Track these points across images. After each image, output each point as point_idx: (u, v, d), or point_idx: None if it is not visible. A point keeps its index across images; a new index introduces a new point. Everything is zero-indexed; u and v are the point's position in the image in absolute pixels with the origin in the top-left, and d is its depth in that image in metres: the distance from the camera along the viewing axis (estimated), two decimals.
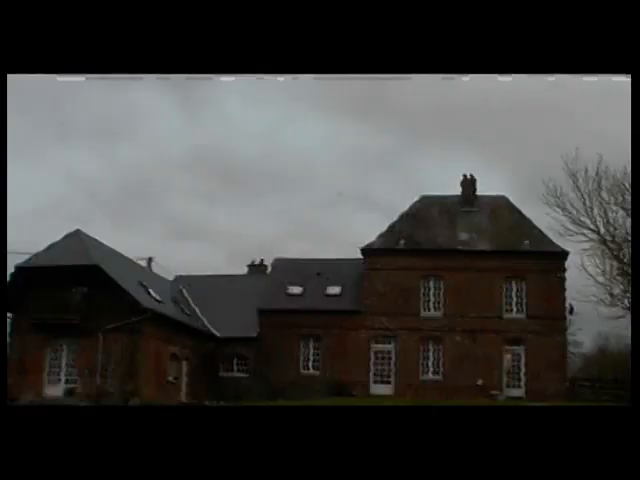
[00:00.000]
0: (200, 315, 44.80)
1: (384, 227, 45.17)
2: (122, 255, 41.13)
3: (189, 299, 46.09)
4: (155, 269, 47.22)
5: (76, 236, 36.53)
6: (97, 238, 39.23)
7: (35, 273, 34.37)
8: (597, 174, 28.67)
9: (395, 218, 45.66)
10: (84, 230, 38.07)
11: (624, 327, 30.55)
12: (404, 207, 46.60)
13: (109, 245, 40.27)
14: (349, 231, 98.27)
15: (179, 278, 48.58)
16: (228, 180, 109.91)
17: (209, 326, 44.01)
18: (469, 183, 46.94)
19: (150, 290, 38.64)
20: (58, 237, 36.56)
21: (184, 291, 46.68)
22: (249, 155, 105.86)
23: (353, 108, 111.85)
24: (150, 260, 47.16)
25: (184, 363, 40.54)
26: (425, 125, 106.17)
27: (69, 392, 34.47)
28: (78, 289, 34.74)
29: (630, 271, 28.43)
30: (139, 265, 44.35)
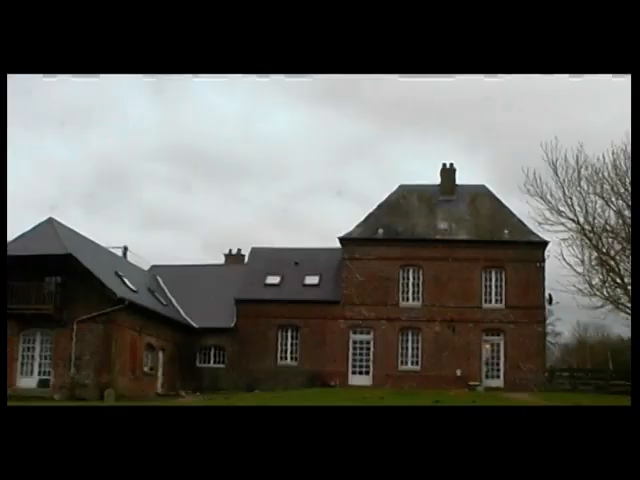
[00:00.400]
0: (176, 305, 44.74)
1: (360, 216, 45.25)
2: (97, 244, 40.87)
3: (165, 289, 46.00)
4: (130, 258, 47.07)
5: (49, 224, 36.17)
6: (70, 227, 38.90)
7: (7, 262, 33.97)
8: (577, 163, 28.79)
9: (371, 207, 45.73)
10: (57, 219, 37.71)
11: (603, 317, 30.74)
12: (380, 196, 46.72)
13: (83, 234, 39.97)
14: (325, 220, 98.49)
15: (155, 268, 48.43)
16: (201, 169, 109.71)
17: (185, 316, 43.94)
18: (448, 172, 46.99)
19: (125, 279, 38.46)
20: (30, 226, 36.28)
21: (160, 281, 46.57)
22: (222, 144, 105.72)
23: (327, 97, 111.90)
24: (125, 249, 46.97)
25: (160, 354, 40.43)
26: (401, 115, 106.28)
27: (43, 383, 34.27)
28: (52, 279, 34.49)
29: (609, 261, 28.68)
30: (114, 254, 44.10)
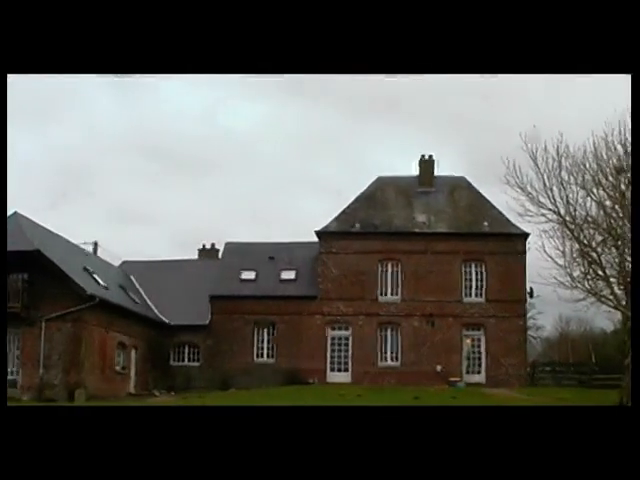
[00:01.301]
0: (149, 302, 44.52)
1: (333, 210, 45.19)
2: (65, 239, 40.50)
3: (137, 285, 45.74)
4: (100, 254, 46.74)
5: (14, 219, 35.51)
6: (37, 221, 38.43)
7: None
8: (557, 153, 28.83)
9: (343, 201, 45.71)
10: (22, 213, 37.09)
11: (584, 310, 30.84)
12: (353, 189, 46.73)
13: (50, 229, 39.58)
14: (298, 214, 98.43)
15: (126, 264, 48.14)
16: (168, 164, 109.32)
17: (158, 313, 43.75)
18: (427, 163, 46.93)
19: (95, 276, 38.20)
20: None
21: (131, 277, 46.30)
22: (188, 138, 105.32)
23: (294, 89, 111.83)
24: (95, 245, 46.67)
25: (132, 352, 40.22)
26: (373, 106, 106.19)
27: (10, 384, 33.92)
28: (18, 276, 33.99)
29: (591, 253, 28.76)
30: (83, 250, 43.76)
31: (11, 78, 9.53)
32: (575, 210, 28.87)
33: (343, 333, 42.84)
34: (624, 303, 27.95)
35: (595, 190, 28.49)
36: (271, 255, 45.46)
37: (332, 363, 42.62)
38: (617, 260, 28.53)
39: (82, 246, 43.80)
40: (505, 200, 31.81)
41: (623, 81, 9.33)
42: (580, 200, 28.92)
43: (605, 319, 45.30)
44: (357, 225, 43.87)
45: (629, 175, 27.29)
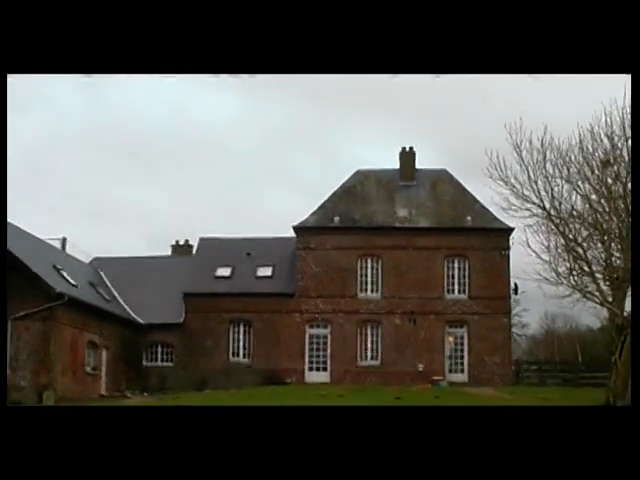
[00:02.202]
0: (120, 300, 44.33)
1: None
2: (32, 235, 40.25)
3: (108, 283, 45.54)
4: (70, 251, 46.46)
5: None
6: None
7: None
8: (542, 145, 28.96)
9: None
10: None
11: (570, 306, 31.01)
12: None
13: (17, 225, 39.33)
14: (272, 209, 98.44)
15: (96, 260, 47.92)
16: (138, 159, 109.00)
17: (130, 312, 43.59)
18: (408, 156, 47.03)
19: (64, 273, 37.96)
20: None
21: (102, 274, 46.13)
22: (157, 132, 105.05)
23: (265, 81, 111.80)
24: (64, 241, 46.36)
25: (104, 352, 40.02)
26: (348, 98, 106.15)
27: None
28: None
29: (576, 248, 28.94)
30: (52, 246, 43.49)
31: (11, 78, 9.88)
32: (560, 204, 29.02)
33: (322, 331, 42.91)
34: (610, 299, 28.16)
35: (581, 184, 28.66)
36: (247, 251, 45.42)
37: (311, 362, 42.70)
38: (603, 255, 28.74)
39: (50, 242, 43.49)
40: (488, 194, 31.91)
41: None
42: (565, 194, 29.08)
43: (591, 316, 45.56)
44: (336, 220, 43.91)
45: (615, 168, 27.52)
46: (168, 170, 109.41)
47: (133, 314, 43.56)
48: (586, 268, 28.74)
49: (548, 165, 28.99)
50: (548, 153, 29.02)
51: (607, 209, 27.94)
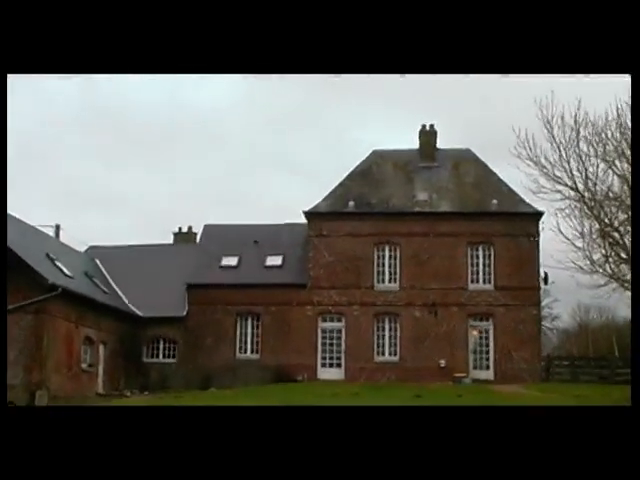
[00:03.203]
0: (119, 292, 44.36)
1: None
2: (23, 222, 40.13)
3: (105, 273, 45.57)
4: (64, 239, 46.45)
5: None
6: None
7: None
8: (575, 122, 28.59)
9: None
10: None
11: (606, 297, 30.72)
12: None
13: (7, 211, 39.25)
14: (274, 194, 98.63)
15: (93, 249, 47.93)
16: (136, 144, 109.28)
17: (130, 304, 43.58)
18: (428, 135, 46.90)
19: (58, 263, 37.92)
20: None
21: (99, 264, 46.15)
22: (156, 117, 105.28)
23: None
24: (58, 229, 46.28)
25: (101, 348, 40.02)
26: (354, 78, 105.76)
27: None
28: None
29: (613, 233, 28.57)
30: (44, 234, 43.42)
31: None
32: (595, 185, 28.73)
33: (336, 325, 42.79)
34: None
35: (618, 162, 28.30)
36: (255, 239, 45.38)
37: (323, 358, 42.60)
38: None
39: (42, 230, 43.38)
40: (516, 175, 31.69)
41: None
42: (601, 174, 28.78)
43: (629, 307, 45.14)
44: (350, 204, 43.71)
45: None
46: (168, 156, 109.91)
47: (132, 307, 43.50)
48: (623, 255, 28.40)
49: (582, 143, 28.75)
50: (582, 129, 28.77)
51: None
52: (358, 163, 46.13)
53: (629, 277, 28.47)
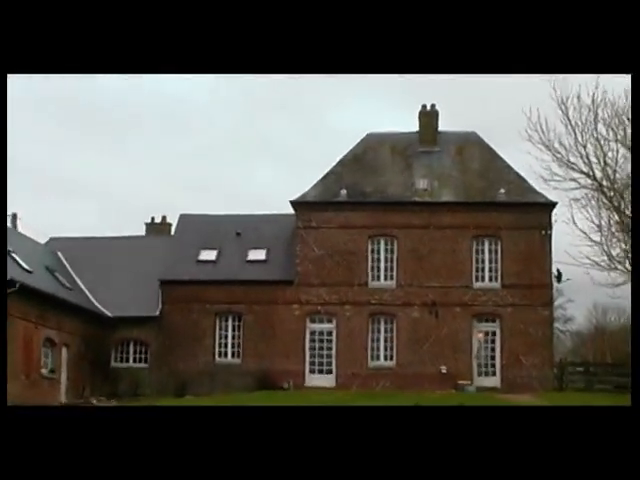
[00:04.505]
0: (84, 289, 44.28)
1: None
2: None
3: (69, 268, 45.46)
4: (22, 230, 46.10)
5: None
6: None
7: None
8: (593, 102, 28.43)
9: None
10: None
11: (626, 296, 30.58)
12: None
13: None
14: (258, 183, 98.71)
15: (54, 241, 47.83)
16: (106, 130, 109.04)
17: (96, 303, 43.51)
18: (429, 116, 46.77)
19: (15, 256, 37.79)
20: None
21: (62, 258, 45.97)
22: (112, 96, 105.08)
23: None
24: (14, 218, 45.94)
25: (64, 351, 39.87)
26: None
27: None
28: None
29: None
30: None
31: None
32: (615, 172, 28.58)
33: (325, 326, 42.77)
34: None
35: None
36: (236, 230, 45.33)
37: (312, 363, 42.61)
38: None
39: None
40: (526, 161, 31.55)
41: None
42: (621, 160, 28.66)
43: None
44: (342, 193, 43.59)
45: None
46: (141, 143, 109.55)
47: (99, 306, 43.42)
48: None
49: (600, 125, 28.64)
50: (600, 111, 28.60)
51: None
52: (351, 148, 45.96)
53: None
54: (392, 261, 42.86)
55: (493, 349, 42.04)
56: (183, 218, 47.68)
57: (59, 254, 46.18)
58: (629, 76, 11.71)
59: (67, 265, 45.59)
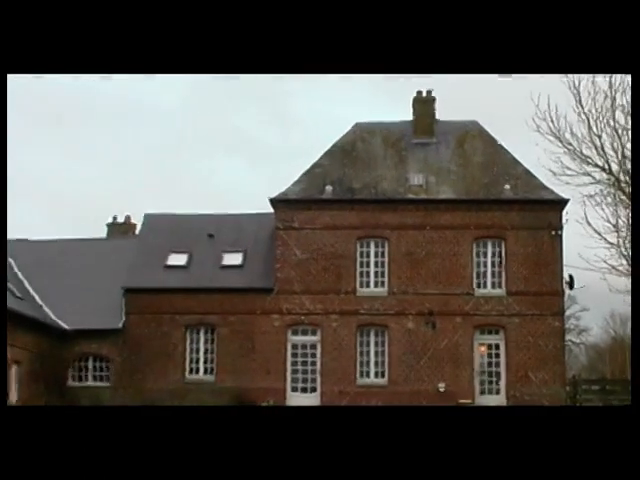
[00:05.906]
0: (37, 298, 44.06)
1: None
2: None
3: (20, 275, 45.25)
4: None
5: None
6: None
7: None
8: (610, 87, 28.23)
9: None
10: None
11: None
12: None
13: None
14: (232, 180, 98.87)
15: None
16: (58, 126, 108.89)
17: (51, 314, 43.23)
18: (425, 104, 46.86)
19: None
20: None
21: (12, 263, 45.59)
22: (79, 95, 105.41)
23: None
24: None
25: (14, 369, 39.61)
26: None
27: None
28: None
29: None
30: None
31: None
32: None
33: (309, 339, 42.75)
34: None
35: None
36: (209, 232, 45.30)
37: (294, 380, 42.56)
38: None
39: None
40: (534, 154, 31.38)
41: None
42: None
43: None
44: (328, 190, 43.58)
45: None
46: (96, 138, 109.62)
47: (54, 317, 43.14)
48: None
49: (618, 113, 28.38)
50: (618, 96, 28.34)
51: None
52: (337, 139, 45.88)
53: None
54: (384, 265, 42.84)
55: (497, 364, 41.98)
56: (149, 218, 47.46)
57: (10, 259, 45.72)
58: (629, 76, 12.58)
59: (17, 271, 45.38)
